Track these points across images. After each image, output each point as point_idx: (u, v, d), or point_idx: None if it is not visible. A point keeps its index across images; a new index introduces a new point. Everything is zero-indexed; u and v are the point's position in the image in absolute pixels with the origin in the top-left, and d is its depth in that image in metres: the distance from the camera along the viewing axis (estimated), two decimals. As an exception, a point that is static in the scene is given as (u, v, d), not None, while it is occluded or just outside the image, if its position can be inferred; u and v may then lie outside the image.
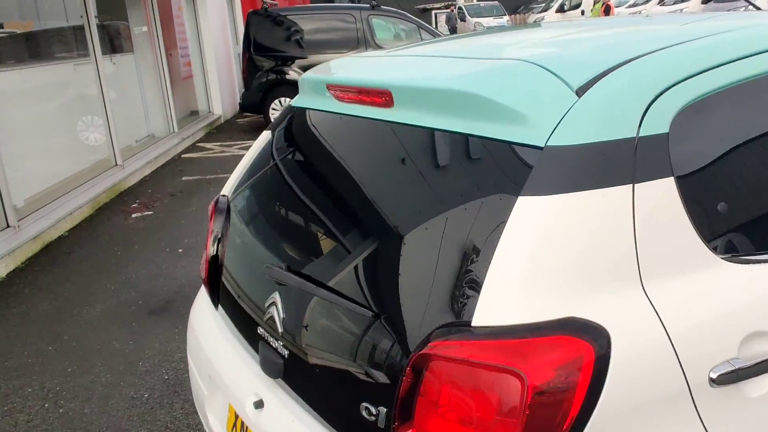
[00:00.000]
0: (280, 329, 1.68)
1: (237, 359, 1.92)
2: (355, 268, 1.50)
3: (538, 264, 1.19)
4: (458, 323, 1.23)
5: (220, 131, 12.04)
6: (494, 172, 1.32)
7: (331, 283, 1.54)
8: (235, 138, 11.14)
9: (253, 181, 2.10)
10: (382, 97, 1.61)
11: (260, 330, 1.79)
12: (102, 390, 3.48)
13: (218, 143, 10.71)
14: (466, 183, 1.36)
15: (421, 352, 1.26)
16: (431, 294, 1.30)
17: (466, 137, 1.41)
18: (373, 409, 1.37)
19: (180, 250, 5.57)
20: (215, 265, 2.15)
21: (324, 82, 1.87)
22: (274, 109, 11.26)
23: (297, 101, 2.17)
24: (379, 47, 11.19)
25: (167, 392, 3.40)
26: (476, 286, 1.22)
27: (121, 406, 3.31)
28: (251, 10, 11.36)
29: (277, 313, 1.69)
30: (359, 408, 1.40)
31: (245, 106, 11.44)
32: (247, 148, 10.05)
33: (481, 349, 1.19)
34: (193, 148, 10.39)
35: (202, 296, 2.34)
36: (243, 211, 2.08)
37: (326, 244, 1.64)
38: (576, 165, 1.23)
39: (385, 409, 1.35)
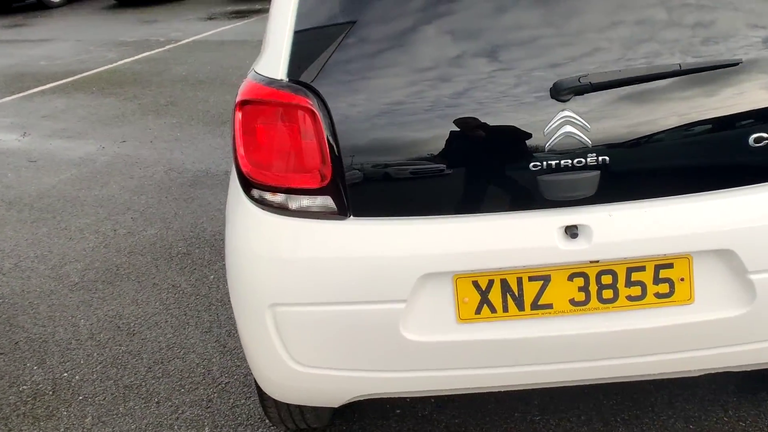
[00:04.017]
0: (587, 141, 1.61)
1: (473, 228, 1.67)
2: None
3: None
4: None
5: None
6: None
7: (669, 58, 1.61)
8: None
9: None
10: None
11: (534, 165, 1.62)
12: None
13: None
14: None
15: None
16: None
17: None
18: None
19: None
20: (338, 166, 1.67)
21: None
22: None
23: None
24: None
25: None
26: None
27: None
28: None
29: (579, 126, 1.60)
30: (746, 143, 1.62)
31: None
32: None
33: None
34: None
35: (287, 227, 1.73)
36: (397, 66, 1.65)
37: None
38: None
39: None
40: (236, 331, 2.80)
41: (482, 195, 1.68)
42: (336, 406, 1.94)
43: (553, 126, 1.61)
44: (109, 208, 4.27)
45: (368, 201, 1.70)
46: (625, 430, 2.13)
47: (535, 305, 1.71)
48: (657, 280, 1.69)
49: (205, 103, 6.45)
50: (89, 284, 3.35)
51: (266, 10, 9.66)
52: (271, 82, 1.71)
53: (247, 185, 1.76)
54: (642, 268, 1.68)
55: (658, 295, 1.69)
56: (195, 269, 3.40)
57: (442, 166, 1.67)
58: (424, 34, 1.67)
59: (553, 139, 1.61)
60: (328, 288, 1.72)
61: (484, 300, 1.71)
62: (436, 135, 1.65)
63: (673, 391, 2.25)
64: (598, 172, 1.63)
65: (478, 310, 1.71)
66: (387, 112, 1.66)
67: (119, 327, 2.97)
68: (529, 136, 1.63)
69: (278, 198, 1.74)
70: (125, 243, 3.76)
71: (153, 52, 9.00)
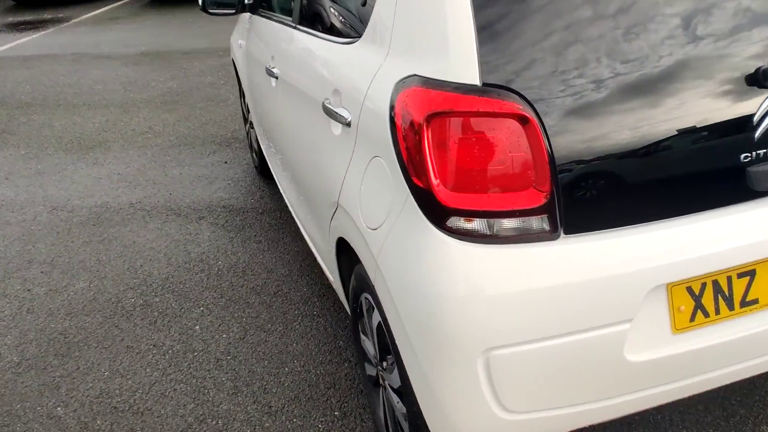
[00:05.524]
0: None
1: (690, 231, 1.56)
2: None
3: None
4: None
5: None
6: None
7: None
8: None
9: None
10: None
11: (745, 157, 1.54)
12: None
13: None
14: None
15: None
16: None
17: None
18: None
19: None
20: (554, 180, 1.46)
21: None
22: None
23: None
24: None
25: None
26: None
27: None
28: None
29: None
30: None
31: None
32: None
33: None
34: None
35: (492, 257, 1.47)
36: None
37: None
38: None
39: None
40: (276, 387, 2.43)
41: (695, 194, 1.57)
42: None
43: (761, 113, 1.54)
44: (2, 264, 3.49)
45: (579, 215, 1.51)
46: (746, 412, 2.15)
47: (743, 302, 1.63)
48: (837, 263, 1.70)
49: (51, 128, 5.57)
50: (38, 361, 2.69)
51: (61, 20, 8.78)
52: (465, 87, 1.44)
53: (442, 214, 1.47)
54: (827, 253, 1.68)
55: (839, 277, 1.70)
56: (170, 322, 2.87)
57: (654, 167, 1.52)
58: (623, 20, 1.50)
59: (762, 127, 1.54)
60: (546, 321, 1.50)
61: (698, 305, 1.60)
62: (645, 135, 1.50)
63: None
64: (802, 159, 1.59)
65: (692, 317, 1.60)
66: (591, 111, 1.48)
67: (116, 407, 2.41)
68: (738, 127, 1.55)
69: (476, 224, 1.48)
70: (54, 303, 3.09)
71: (-62, 73, 7.61)
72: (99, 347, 2.76)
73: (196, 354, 2.66)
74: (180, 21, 9.71)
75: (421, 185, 1.48)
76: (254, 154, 4.24)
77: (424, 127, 1.45)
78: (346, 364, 2.53)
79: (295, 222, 3.59)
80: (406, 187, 1.53)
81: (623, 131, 1.49)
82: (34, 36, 9.48)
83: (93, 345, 2.77)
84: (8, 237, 3.78)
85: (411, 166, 1.50)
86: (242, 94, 4.23)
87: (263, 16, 3.18)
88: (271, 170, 3.43)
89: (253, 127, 4.01)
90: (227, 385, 2.47)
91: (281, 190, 3.17)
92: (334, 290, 2.97)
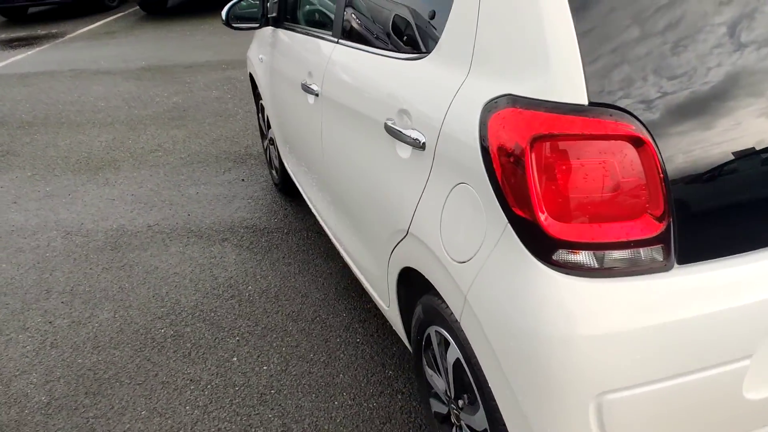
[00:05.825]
0: None
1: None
2: None
3: None
4: None
5: None
6: None
7: None
8: None
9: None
10: None
11: None
12: None
13: None
14: None
15: None
16: None
17: None
18: None
19: None
20: (670, 205, 1.34)
21: None
22: None
23: None
24: None
25: None
26: None
27: None
28: None
29: None
30: None
31: None
32: None
33: None
34: None
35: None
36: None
37: None
38: None
39: None
40: (327, 423, 2.28)
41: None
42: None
43: None
44: (20, 294, 3.33)
45: (693, 243, 1.37)
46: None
47: None
48: None
49: (56, 148, 5.40)
50: (68, 401, 2.54)
51: (55, 36, 8.49)
52: (571, 107, 1.31)
53: (549, 247, 1.34)
54: None
55: None
56: (205, 354, 2.72)
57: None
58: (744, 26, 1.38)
59: None
60: (662, 360, 1.37)
61: (815, 336, 1.47)
62: (759, 149, 1.37)
63: None
64: None
65: (810, 349, 1.47)
66: (704, 127, 1.35)
67: (158, 451, 2.26)
68: None
69: (582, 257, 1.35)
70: (79, 336, 2.93)
71: (-65, 93, 7.42)
72: (132, 383, 2.60)
73: (237, 389, 2.51)
74: (178, 34, 9.56)
75: (523, 216, 1.35)
76: (274, 172, 4.10)
77: (527, 153, 1.32)
78: (399, 396, 2.39)
79: (325, 243, 3.46)
80: (503, 217, 1.40)
81: (735, 145, 1.36)
82: (29, 53, 9.30)
83: (125, 381, 2.62)
84: (23, 265, 3.62)
85: (510, 196, 1.36)
86: (260, 110, 4.09)
87: (290, 30, 3.05)
88: (300, 190, 3.29)
89: (273, 144, 3.87)
90: (275, 423, 2.33)
91: (315, 212, 3.03)
92: (375, 315, 2.83)
